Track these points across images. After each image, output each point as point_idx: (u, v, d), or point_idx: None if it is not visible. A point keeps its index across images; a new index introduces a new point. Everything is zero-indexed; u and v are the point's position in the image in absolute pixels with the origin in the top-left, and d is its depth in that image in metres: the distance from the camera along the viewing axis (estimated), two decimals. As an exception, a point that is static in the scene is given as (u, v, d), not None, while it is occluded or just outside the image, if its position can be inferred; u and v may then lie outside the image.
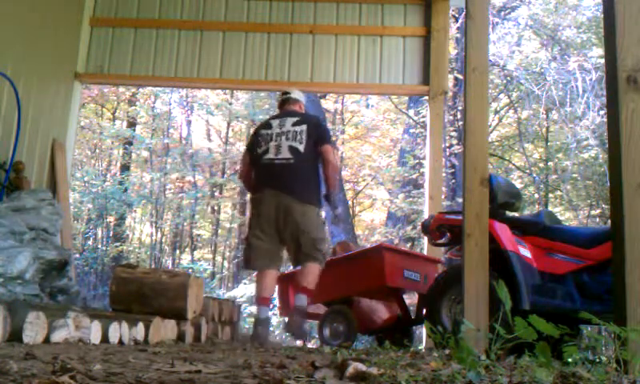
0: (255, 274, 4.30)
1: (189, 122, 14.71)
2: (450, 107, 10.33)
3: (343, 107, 13.86)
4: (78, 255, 10.62)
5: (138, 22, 6.20)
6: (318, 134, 4.33)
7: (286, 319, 4.41)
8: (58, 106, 5.76)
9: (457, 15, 9.99)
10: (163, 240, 13.22)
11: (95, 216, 12.09)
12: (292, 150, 4.21)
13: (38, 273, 3.81)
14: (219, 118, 14.71)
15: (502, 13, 11.71)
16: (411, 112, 11.59)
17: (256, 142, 4.34)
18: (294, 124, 4.29)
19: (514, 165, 11.59)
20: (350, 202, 12.52)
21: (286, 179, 4.17)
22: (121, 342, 2.80)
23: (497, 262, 3.34)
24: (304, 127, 4.27)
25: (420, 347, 5.00)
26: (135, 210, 13.51)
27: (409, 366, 1.71)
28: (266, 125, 4.42)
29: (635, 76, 2.21)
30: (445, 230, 4.12)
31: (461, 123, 9.18)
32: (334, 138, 12.81)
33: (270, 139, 4.26)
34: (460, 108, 10.05)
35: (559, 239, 3.70)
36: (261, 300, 4.15)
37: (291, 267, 4.84)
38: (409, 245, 10.75)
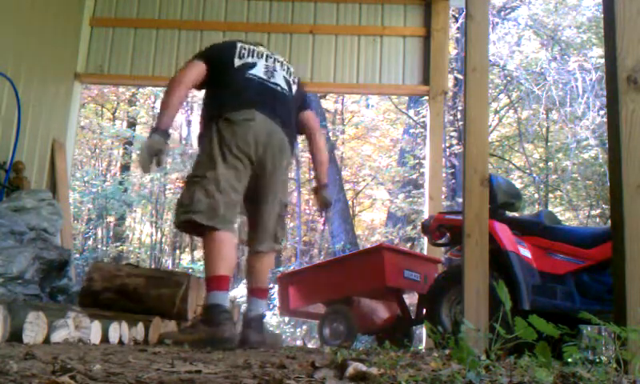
0: (206, 238, 2.89)
1: (189, 122, 14.72)
2: (450, 107, 10.34)
3: (343, 107, 13.88)
4: (77, 255, 10.62)
5: (138, 22, 6.20)
6: (306, 93, 3.48)
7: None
8: (58, 106, 5.76)
9: (457, 15, 10.00)
10: (163, 240, 13.22)
11: (95, 216, 12.09)
12: (287, 83, 3.24)
13: (38, 273, 3.81)
14: (219, 118, 14.69)
15: (502, 13, 11.71)
16: (411, 112, 11.60)
17: (234, 51, 3.15)
18: (287, 62, 3.37)
19: (514, 165, 11.59)
20: (350, 202, 12.51)
21: (280, 108, 3.11)
22: (121, 342, 2.80)
23: (497, 262, 3.34)
24: (296, 75, 3.39)
25: (420, 347, 5.00)
26: (135, 210, 13.52)
27: (409, 365, 1.71)
28: (251, 43, 3.29)
29: (635, 76, 2.21)
30: (445, 229, 4.13)
31: (461, 123, 9.18)
32: (333, 138, 12.80)
33: (260, 56, 3.20)
34: (460, 108, 10.05)
35: (559, 239, 3.71)
36: (222, 280, 2.84)
37: (292, 267, 4.80)
38: (409, 245, 10.75)
